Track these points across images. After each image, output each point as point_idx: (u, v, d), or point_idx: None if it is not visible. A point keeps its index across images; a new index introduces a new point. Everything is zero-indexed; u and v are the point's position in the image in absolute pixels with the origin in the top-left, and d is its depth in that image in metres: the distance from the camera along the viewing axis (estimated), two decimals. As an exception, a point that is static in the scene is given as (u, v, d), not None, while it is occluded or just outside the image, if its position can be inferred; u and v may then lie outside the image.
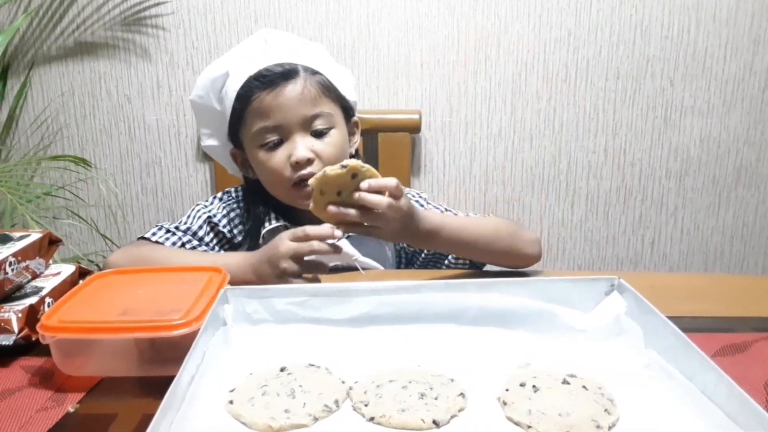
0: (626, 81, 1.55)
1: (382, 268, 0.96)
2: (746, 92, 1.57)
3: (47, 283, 0.72)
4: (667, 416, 0.47)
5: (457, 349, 0.59)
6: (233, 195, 0.99)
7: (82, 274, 0.78)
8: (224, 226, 0.94)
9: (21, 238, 0.73)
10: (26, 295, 0.68)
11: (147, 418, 0.42)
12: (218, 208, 0.96)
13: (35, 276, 0.73)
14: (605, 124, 1.59)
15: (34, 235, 0.74)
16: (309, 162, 0.87)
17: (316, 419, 0.48)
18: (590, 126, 1.58)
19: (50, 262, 0.76)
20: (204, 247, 0.92)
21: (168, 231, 0.92)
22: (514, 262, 0.88)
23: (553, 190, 1.63)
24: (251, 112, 0.88)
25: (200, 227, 0.93)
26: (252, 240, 0.95)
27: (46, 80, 1.54)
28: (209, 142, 0.99)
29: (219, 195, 1.00)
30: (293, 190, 0.89)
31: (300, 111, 0.87)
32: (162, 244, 0.90)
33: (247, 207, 0.98)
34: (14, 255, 0.68)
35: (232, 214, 0.96)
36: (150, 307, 0.60)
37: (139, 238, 0.93)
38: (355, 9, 1.48)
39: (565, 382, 0.51)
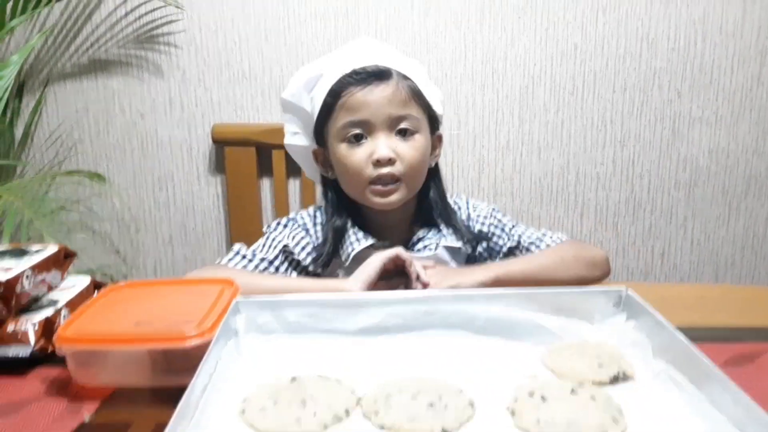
0: (633, 93, 1.56)
1: None
2: (754, 102, 1.58)
3: (63, 296, 0.73)
4: (674, 426, 0.47)
5: (467, 359, 0.59)
6: (299, 221, 0.98)
7: (96, 286, 0.79)
8: (298, 254, 0.94)
9: (37, 251, 0.74)
10: (42, 308, 0.70)
11: (160, 428, 0.43)
12: (291, 238, 0.95)
13: (51, 289, 0.74)
14: (613, 136, 1.59)
15: (51, 249, 0.75)
16: (390, 162, 0.88)
17: (326, 427, 0.49)
18: (598, 138, 1.59)
19: (66, 275, 0.78)
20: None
21: (244, 257, 0.92)
22: (582, 284, 0.89)
23: (561, 201, 1.63)
24: (341, 107, 0.88)
25: (276, 257, 0.93)
26: (331, 256, 0.94)
27: (60, 97, 1.57)
28: (293, 141, 0.99)
29: (284, 222, 0.99)
30: (371, 187, 0.89)
31: (388, 110, 0.87)
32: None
33: (330, 215, 0.96)
34: (31, 268, 0.70)
35: (303, 242, 0.95)
36: (163, 318, 0.61)
37: (216, 262, 0.93)
38: (363, 26, 1.51)
39: (573, 391, 0.52)
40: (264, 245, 0.94)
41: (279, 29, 1.52)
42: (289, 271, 0.94)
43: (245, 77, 1.54)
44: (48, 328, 0.66)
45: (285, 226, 0.98)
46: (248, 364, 0.59)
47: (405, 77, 0.90)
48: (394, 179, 0.89)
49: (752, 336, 0.69)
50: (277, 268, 0.92)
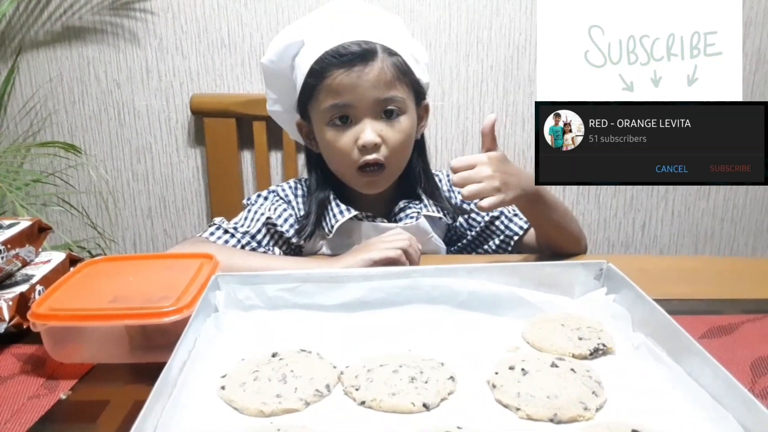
0: (618, 64, 1.55)
1: (444, 250, 0.99)
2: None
3: (37, 271, 0.71)
4: (653, 398, 0.48)
5: (448, 334, 0.59)
6: (280, 194, 0.98)
7: (72, 261, 0.77)
8: (281, 226, 0.93)
9: (10, 225, 0.72)
10: (16, 283, 0.68)
11: (139, 405, 0.42)
12: (273, 210, 0.94)
13: (25, 264, 0.73)
14: (597, 108, 1.58)
15: (24, 223, 0.73)
16: (376, 147, 0.87)
17: (307, 404, 0.49)
18: (582, 109, 1.58)
19: (40, 249, 0.76)
20: (261, 249, 0.91)
21: (226, 231, 0.90)
22: (570, 250, 0.90)
23: (545, 173, 1.63)
24: (324, 89, 0.87)
25: (258, 231, 0.91)
26: (314, 228, 0.93)
27: (34, 66, 1.52)
28: (275, 107, 0.98)
29: (265, 194, 0.98)
30: (357, 173, 0.89)
31: (373, 94, 0.86)
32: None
33: (313, 188, 0.96)
34: (3, 243, 0.68)
35: (285, 214, 0.95)
36: (141, 294, 0.60)
37: (198, 236, 0.91)
38: (346, -8, 1.47)
39: (553, 365, 0.52)
40: (246, 218, 0.93)
41: (258, -5, 1.48)
42: (271, 245, 0.93)
43: (224, 45, 1.51)
44: (22, 304, 0.65)
45: (266, 198, 0.97)
46: (228, 340, 0.58)
47: (390, 53, 0.87)
48: (379, 165, 0.88)
49: (730, 308, 0.69)
50: (259, 242, 0.91)
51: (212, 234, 0.90)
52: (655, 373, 0.51)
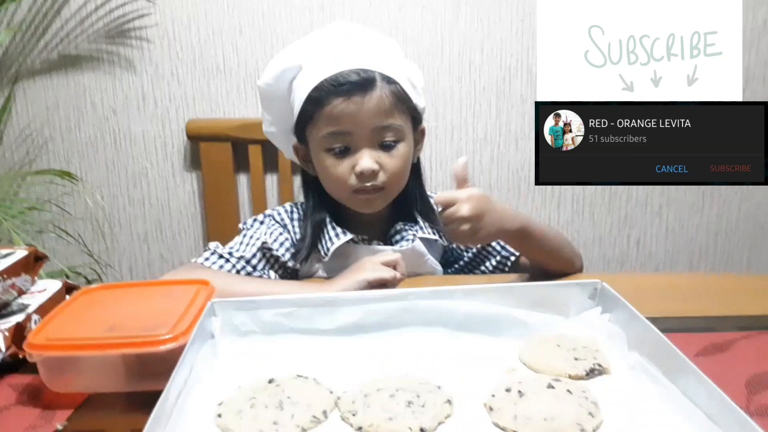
0: (609, 83, 1.57)
1: (441, 271, 0.99)
2: (727, 92, 1.59)
3: (33, 300, 0.71)
4: (649, 418, 0.48)
5: (444, 356, 0.59)
6: (276, 218, 0.98)
7: (68, 289, 0.77)
8: (277, 250, 0.93)
9: (6, 255, 0.72)
10: (13, 313, 0.68)
11: (135, 434, 0.42)
12: (269, 234, 0.95)
13: (21, 293, 0.73)
14: (589, 126, 1.60)
15: (20, 252, 0.74)
16: (374, 174, 0.87)
17: (304, 430, 0.49)
18: (574, 128, 1.60)
19: (36, 278, 0.76)
20: (257, 273, 0.92)
21: (221, 257, 0.90)
22: (563, 272, 0.91)
23: (539, 192, 1.64)
24: (323, 117, 0.87)
25: (254, 255, 0.92)
26: (310, 251, 0.94)
27: (30, 94, 1.53)
28: (271, 129, 0.98)
29: (261, 218, 0.98)
30: (354, 194, 0.90)
31: (372, 122, 0.86)
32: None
33: (310, 212, 0.97)
34: (0, 273, 0.68)
35: (281, 238, 0.95)
36: (137, 322, 0.60)
37: (193, 261, 0.92)
38: (339, 18, 1.49)
39: (550, 386, 0.52)
40: (241, 243, 0.93)
41: (253, 22, 1.50)
42: (266, 269, 0.93)
43: (219, 71, 1.52)
44: (19, 333, 0.65)
45: (261, 222, 0.97)
46: (225, 367, 0.58)
47: (389, 80, 0.88)
48: (377, 189, 0.89)
49: (724, 325, 0.70)
50: (254, 267, 0.91)
51: (207, 259, 0.90)
52: (651, 393, 0.51)
